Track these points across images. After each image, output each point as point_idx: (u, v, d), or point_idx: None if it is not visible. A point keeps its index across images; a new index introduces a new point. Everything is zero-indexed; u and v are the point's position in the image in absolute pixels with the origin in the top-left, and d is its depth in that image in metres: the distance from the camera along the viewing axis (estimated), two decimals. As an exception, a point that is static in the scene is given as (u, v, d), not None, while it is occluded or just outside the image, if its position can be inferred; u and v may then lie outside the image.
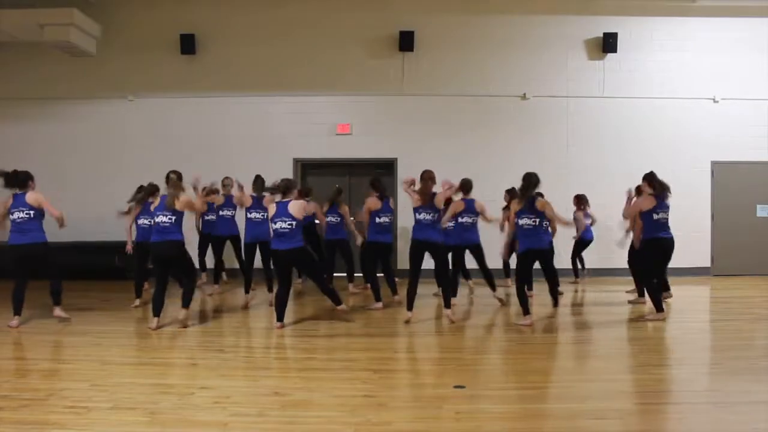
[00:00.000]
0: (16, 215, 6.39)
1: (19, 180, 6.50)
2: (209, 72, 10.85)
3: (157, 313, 6.38)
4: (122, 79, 10.86)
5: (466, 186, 7.58)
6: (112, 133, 10.90)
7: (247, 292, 7.95)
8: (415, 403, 4.19)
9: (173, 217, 6.39)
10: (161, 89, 10.90)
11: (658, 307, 6.82)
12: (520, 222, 6.62)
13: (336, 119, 10.93)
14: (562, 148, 10.77)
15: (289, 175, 10.69)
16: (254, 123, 10.89)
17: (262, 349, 6.02)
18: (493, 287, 7.69)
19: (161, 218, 6.39)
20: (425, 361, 5.48)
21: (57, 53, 10.50)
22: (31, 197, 6.45)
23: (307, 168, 11.15)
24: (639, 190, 8.10)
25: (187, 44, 10.71)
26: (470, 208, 7.55)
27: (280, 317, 6.46)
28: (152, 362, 5.25)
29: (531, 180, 6.57)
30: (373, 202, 7.68)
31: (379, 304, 7.59)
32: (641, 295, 7.80)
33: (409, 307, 6.69)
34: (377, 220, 7.66)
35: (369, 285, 7.94)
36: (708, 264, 10.80)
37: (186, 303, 6.50)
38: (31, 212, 6.41)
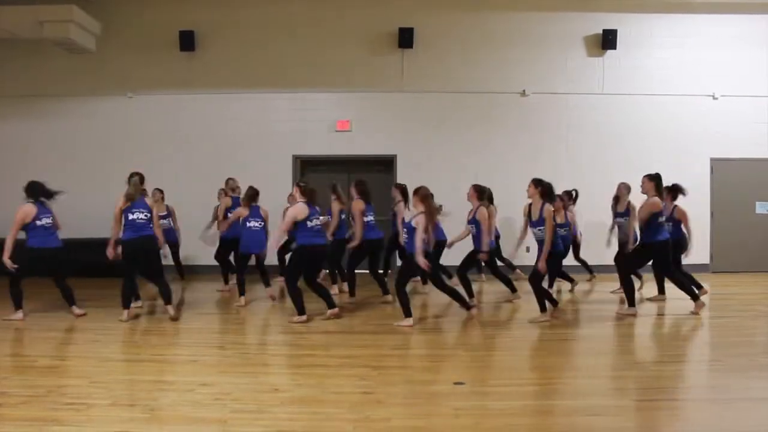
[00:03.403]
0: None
1: None
2: (208, 69, 10.82)
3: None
4: (122, 76, 10.84)
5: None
6: (111, 130, 10.88)
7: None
8: (414, 399, 4.19)
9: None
10: (161, 86, 10.87)
11: (631, 303, 6.95)
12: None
13: (335, 116, 10.91)
14: (562, 145, 10.76)
15: (288, 173, 10.72)
16: (253, 120, 10.87)
17: (262, 345, 6.02)
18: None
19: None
20: (424, 358, 5.48)
21: (56, 50, 10.46)
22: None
23: (306, 165, 11.13)
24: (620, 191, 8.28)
25: (187, 41, 10.68)
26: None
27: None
28: (152, 359, 5.25)
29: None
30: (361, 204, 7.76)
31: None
32: (661, 292, 7.93)
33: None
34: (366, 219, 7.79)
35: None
36: (707, 261, 10.79)
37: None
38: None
